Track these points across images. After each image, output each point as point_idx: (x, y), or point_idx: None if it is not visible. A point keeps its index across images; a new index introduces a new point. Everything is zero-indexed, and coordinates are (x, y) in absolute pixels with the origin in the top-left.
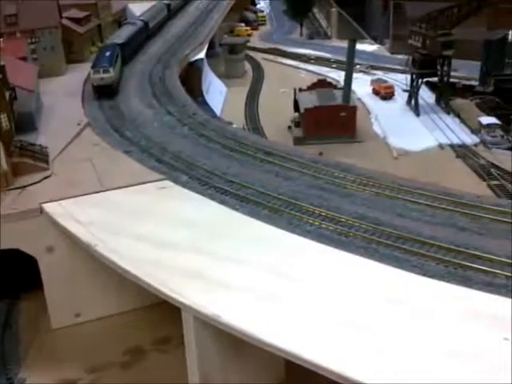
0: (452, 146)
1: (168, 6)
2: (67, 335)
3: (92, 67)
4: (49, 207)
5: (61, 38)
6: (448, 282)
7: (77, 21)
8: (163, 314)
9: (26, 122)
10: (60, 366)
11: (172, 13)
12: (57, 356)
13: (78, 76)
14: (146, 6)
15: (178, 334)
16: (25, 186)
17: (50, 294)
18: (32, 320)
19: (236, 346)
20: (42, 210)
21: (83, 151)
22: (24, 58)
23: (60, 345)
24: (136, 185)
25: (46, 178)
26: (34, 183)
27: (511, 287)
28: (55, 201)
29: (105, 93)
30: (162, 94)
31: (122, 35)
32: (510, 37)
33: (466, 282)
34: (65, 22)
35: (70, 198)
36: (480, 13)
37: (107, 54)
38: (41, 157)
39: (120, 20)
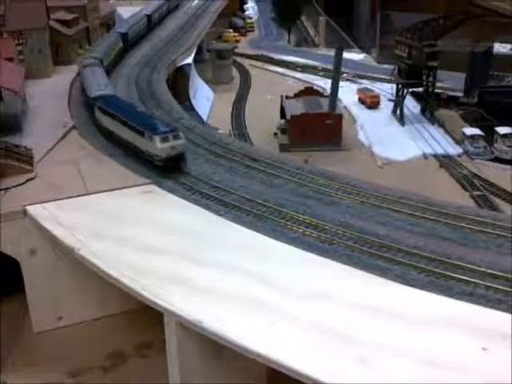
0: (436, 156)
1: (149, 16)
2: (49, 339)
3: (154, 133)
4: (32, 210)
5: (48, 39)
6: (429, 291)
7: (65, 23)
8: (146, 318)
9: (11, 124)
10: (41, 370)
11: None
12: (38, 360)
13: (65, 78)
14: (135, 10)
15: (160, 340)
16: (8, 188)
17: (31, 297)
18: (13, 323)
19: (218, 352)
20: (25, 213)
21: (68, 154)
22: (11, 59)
23: (41, 348)
24: (121, 189)
25: (30, 180)
26: (18, 185)
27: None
28: (39, 203)
29: (175, 163)
30: (149, 99)
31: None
32: (494, 49)
33: (447, 291)
34: (53, 23)
35: (53, 200)
36: (465, 25)
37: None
38: (25, 159)
39: (109, 23)
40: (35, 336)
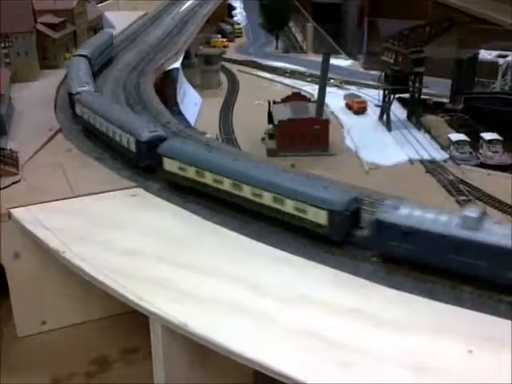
0: (422, 161)
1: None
2: (33, 343)
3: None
4: (17, 213)
5: (35, 43)
6: (415, 294)
7: (52, 26)
8: (131, 323)
9: None
10: (24, 375)
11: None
12: (21, 364)
13: (51, 82)
14: (122, 14)
15: (145, 345)
16: None
17: (15, 301)
18: None
19: (203, 355)
20: (9, 216)
21: (54, 157)
22: None
23: (25, 353)
24: (107, 192)
25: (15, 183)
26: (3, 188)
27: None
28: (24, 206)
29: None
30: (136, 102)
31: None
32: (479, 56)
33: (433, 295)
34: (40, 27)
35: (38, 203)
36: (451, 32)
37: None
38: (10, 162)
39: (96, 27)
40: (19, 341)
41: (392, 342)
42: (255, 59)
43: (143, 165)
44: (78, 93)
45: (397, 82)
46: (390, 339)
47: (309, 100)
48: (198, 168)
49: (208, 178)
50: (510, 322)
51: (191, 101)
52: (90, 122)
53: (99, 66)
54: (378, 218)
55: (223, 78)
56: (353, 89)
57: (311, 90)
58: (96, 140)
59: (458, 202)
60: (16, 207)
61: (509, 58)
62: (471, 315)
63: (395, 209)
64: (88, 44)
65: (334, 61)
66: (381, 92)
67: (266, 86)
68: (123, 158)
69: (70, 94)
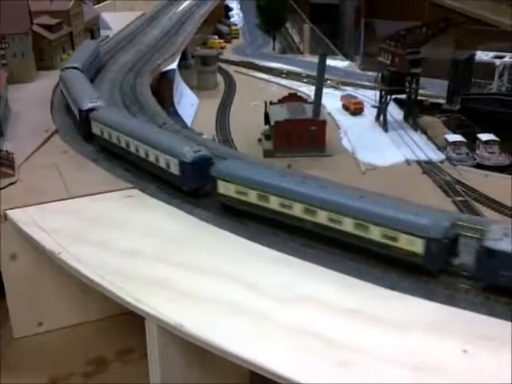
0: (419, 162)
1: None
2: (29, 345)
3: None
4: (13, 214)
5: (31, 44)
6: (410, 294)
7: (48, 28)
8: (128, 324)
9: None
10: (21, 376)
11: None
12: (18, 366)
13: (47, 83)
14: (119, 15)
15: (142, 345)
16: None
17: (12, 303)
18: None
19: (200, 355)
20: (5, 217)
21: (50, 158)
22: None
23: (21, 354)
24: (103, 193)
25: (11, 184)
26: None
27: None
28: (20, 207)
29: None
30: (133, 103)
31: None
32: (476, 57)
33: (428, 294)
34: (36, 28)
35: (34, 204)
36: (448, 32)
37: None
38: (6, 163)
39: (93, 28)
40: (15, 342)
41: (388, 341)
42: (252, 60)
43: (188, 188)
44: (92, 109)
45: (393, 83)
46: (387, 339)
47: (305, 101)
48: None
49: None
50: (507, 322)
51: (188, 102)
52: (113, 141)
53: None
54: (487, 247)
55: (220, 78)
56: (349, 90)
57: (308, 90)
58: (118, 160)
59: (454, 203)
60: (12, 208)
61: (505, 59)
62: (466, 315)
63: (505, 236)
64: (76, 57)
65: (330, 62)
66: (377, 93)
67: (263, 86)
68: (160, 182)
69: (81, 111)
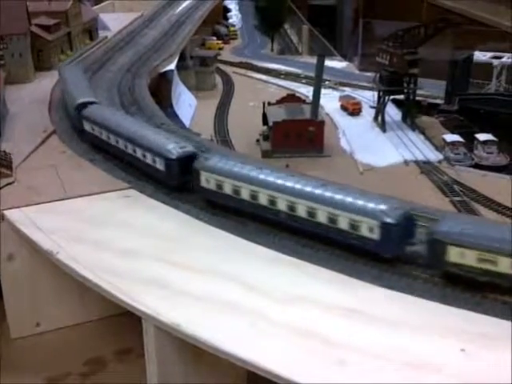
0: (417, 162)
1: None
2: (27, 345)
3: None
4: (10, 214)
5: (29, 44)
6: (407, 293)
7: (46, 28)
8: (125, 324)
9: None
10: (18, 377)
11: None
12: (15, 366)
13: (46, 83)
14: (117, 16)
15: (139, 345)
16: None
17: (9, 303)
18: None
19: (197, 355)
20: (3, 217)
21: (48, 158)
22: None
23: (19, 355)
24: (100, 193)
25: (8, 184)
26: None
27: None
28: (17, 207)
29: None
30: (131, 104)
31: None
32: (474, 57)
33: (425, 294)
34: (34, 29)
35: (32, 205)
36: (446, 33)
37: None
38: (4, 163)
39: (91, 29)
40: (13, 342)
41: (386, 340)
42: (250, 61)
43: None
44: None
45: (391, 84)
46: (384, 337)
47: (304, 101)
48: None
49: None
50: (503, 321)
51: (186, 102)
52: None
53: None
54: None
55: (218, 79)
56: (348, 90)
57: (306, 91)
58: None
59: (452, 203)
60: (10, 208)
61: (503, 60)
62: (464, 313)
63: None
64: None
65: (328, 62)
66: (375, 93)
67: (261, 87)
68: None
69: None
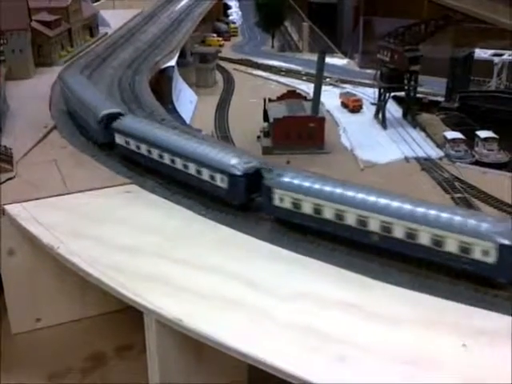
0: (417, 159)
1: None
2: (27, 340)
3: None
4: (11, 209)
5: (30, 40)
6: (409, 288)
7: (47, 24)
8: (127, 320)
9: None
10: (19, 372)
11: None
12: (16, 361)
13: (46, 79)
14: (117, 13)
15: (141, 341)
16: None
17: (10, 298)
18: None
19: (198, 351)
20: (3, 212)
21: (49, 154)
22: None
23: (20, 350)
24: (101, 188)
25: (9, 179)
26: None
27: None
28: (18, 202)
29: None
30: (132, 100)
31: None
32: (475, 54)
33: (427, 289)
34: (34, 24)
35: (33, 200)
36: (447, 30)
37: None
38: (5, 158)
39: (91, 25)
40: (13, 338)
41: (386, 336)
42: (251, 58)
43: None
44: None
45: (392, 81)
46: (385, 333)
47: (304, 98)
48: None
49: None
50: (504, 316)
51: (186, 99)
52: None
53: None
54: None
55: (219, 76)
56: (348, 87)
57: (307, 88)
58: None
59: (453, 200)
60: (10, 203)
61: (504, 57)
62: (465, 309)
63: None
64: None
65: (329, 59)
66: (376, 90)
67: (262, 84)
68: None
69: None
